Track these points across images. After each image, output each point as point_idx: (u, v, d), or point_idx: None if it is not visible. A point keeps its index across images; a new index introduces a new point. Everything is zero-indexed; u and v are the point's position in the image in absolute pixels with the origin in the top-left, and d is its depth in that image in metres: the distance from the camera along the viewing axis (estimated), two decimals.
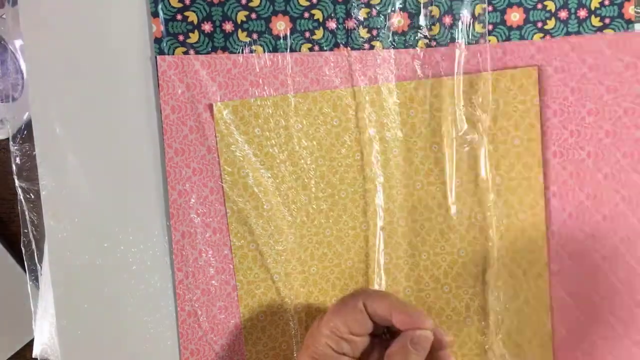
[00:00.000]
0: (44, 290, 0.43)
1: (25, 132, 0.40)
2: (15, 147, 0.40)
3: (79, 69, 0.41)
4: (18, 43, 0.41)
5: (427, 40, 0.43)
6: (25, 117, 0.41)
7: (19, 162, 0.40)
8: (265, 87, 0.42)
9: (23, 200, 0.40)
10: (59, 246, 0.41)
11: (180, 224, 0.42)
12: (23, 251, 0.41)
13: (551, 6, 0.43)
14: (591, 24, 0.44)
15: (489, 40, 0.43)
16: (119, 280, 0.43)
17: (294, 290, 0.44)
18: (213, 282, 0.43)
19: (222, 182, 0.42)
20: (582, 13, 0.44)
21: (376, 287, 0.44)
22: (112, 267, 0.42)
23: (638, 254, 0.42)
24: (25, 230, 0.41)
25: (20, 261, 0.46)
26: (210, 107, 0.41)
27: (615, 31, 0.43)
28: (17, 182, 0.40)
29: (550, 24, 0.44)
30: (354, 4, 0.42)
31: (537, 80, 0.43)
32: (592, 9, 0.44)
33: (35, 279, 0.42)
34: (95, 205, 0.42)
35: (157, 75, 0.41)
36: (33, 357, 0.44)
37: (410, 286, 0.45)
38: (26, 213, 0.41)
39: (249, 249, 0.43)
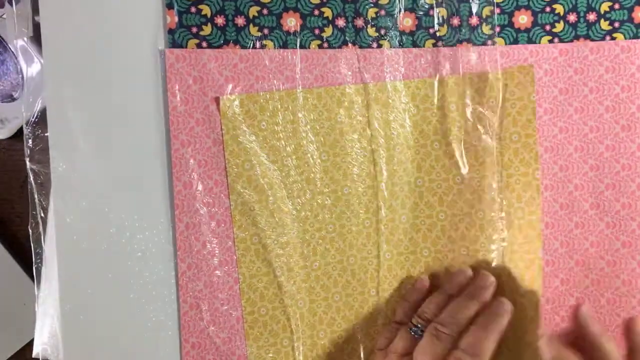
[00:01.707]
0: (46, 277, 0.43)
1: (39, 115, 0.41)
2: (28, 130, 0.41)
3: (93, 56, 0.42)
4: (18, 43, 0.42)
5: (434, 41, 0.44)
6: (38, 102, 0.42)
7: (31, 145, 0.41)
8: (273, 82, 0.43)
9: (33, 182, 0.41)
10: (65, 230, 0.42)
11: (184, 215, 0.43)
12: (30, 232, 0.42)
13: (560, 9, 0.44)
14: (600, 27, 0.44)
15: (497, 42, 0.44)
16: (123, 266, 0.43)
17: (296, 285, 0.44)
18: (217, 272, 0.43)
19: (226, 175, 0.43)
20: (592, 17, 0.44)
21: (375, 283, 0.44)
22: (117, 253, 0.43)
23: (623, 237, 0.45)
24: (34, 212, 0.41)
25: (20, 261, 0.47)
26: (217, 100, 0.42)
27: (625, 36, 0.44)
28: (28, 164, 0.41)
29: (559, 27, 0.44)
30: (362, 3, 0.43)
31: (534, 77, 0.44)
32: (602, 12, 0.44)
33: (41, 262, 0.42)
34: (104, 190, 0.43)
35: (166, 68, 0.42)
36: (33, 357, 0.44)
37: (412, 283, 0.44)
38: (35, 195, 0.41)
39: (251, 241, 0.43)
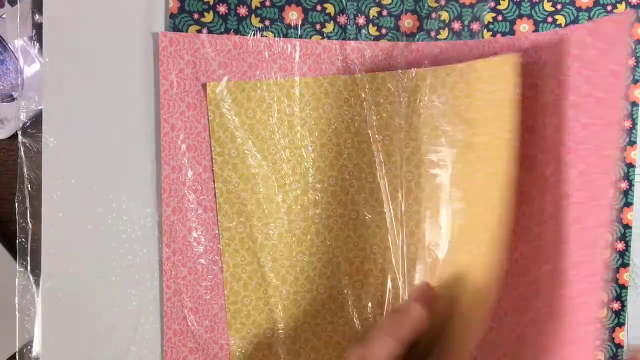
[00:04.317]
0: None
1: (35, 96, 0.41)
2: (24, 103, 0.41)
3: (92, 35, 0.42)
4: (18, 43, 0.42)
5: None
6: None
7: (24, 119, 0.41)
8: (263, 71, 0.43)
9: (24, 157, 0.41)
10: (52, 206, 0.42)
11: (172, 200, 0.42)
12: (16, 207, 0.41)
13: (562, 21, 0.44)
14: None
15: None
16: (107, 248, 0.43)
17: (281, 277, 0.43)
18: (201, 260, 0.43)
19: (212, 162, 0.43)
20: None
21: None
22: (102, 233, 0.43)
23: None
24: (22, 186, 0.41)
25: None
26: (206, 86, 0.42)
27: (566, 19, 0.44)
28: (20, 139, 0.41)
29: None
30: (365, 2, 0.43)
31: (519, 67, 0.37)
32: None
33: (25, 236, 0.42)
34: (93, 169, 0.43)
35: (159, 51, 0.42)
36: (33, 357, 0.43)
37: (397, 279, 0.44)
38: (24, 169, 0.41)
39: (236, 231, 0.43)
